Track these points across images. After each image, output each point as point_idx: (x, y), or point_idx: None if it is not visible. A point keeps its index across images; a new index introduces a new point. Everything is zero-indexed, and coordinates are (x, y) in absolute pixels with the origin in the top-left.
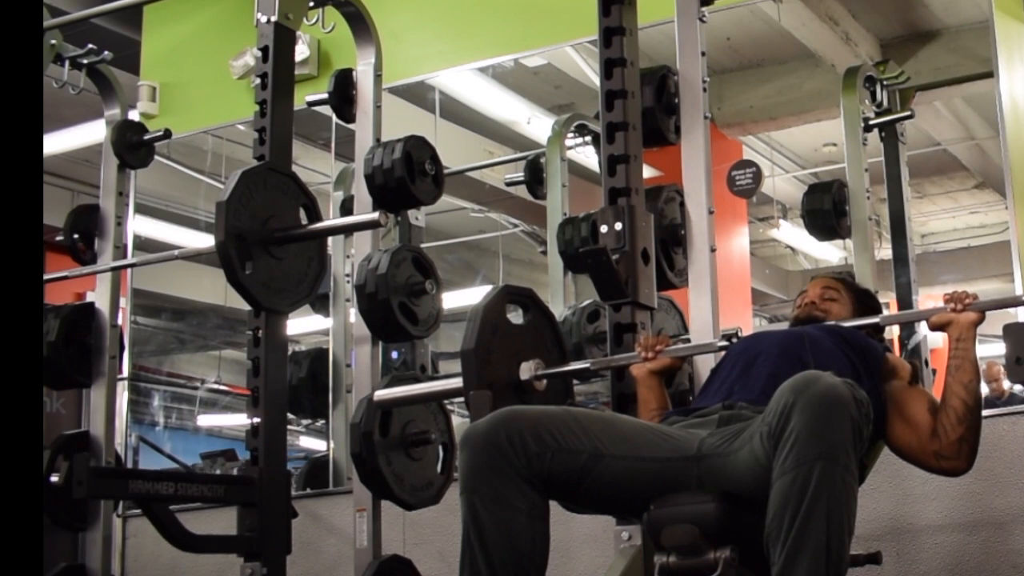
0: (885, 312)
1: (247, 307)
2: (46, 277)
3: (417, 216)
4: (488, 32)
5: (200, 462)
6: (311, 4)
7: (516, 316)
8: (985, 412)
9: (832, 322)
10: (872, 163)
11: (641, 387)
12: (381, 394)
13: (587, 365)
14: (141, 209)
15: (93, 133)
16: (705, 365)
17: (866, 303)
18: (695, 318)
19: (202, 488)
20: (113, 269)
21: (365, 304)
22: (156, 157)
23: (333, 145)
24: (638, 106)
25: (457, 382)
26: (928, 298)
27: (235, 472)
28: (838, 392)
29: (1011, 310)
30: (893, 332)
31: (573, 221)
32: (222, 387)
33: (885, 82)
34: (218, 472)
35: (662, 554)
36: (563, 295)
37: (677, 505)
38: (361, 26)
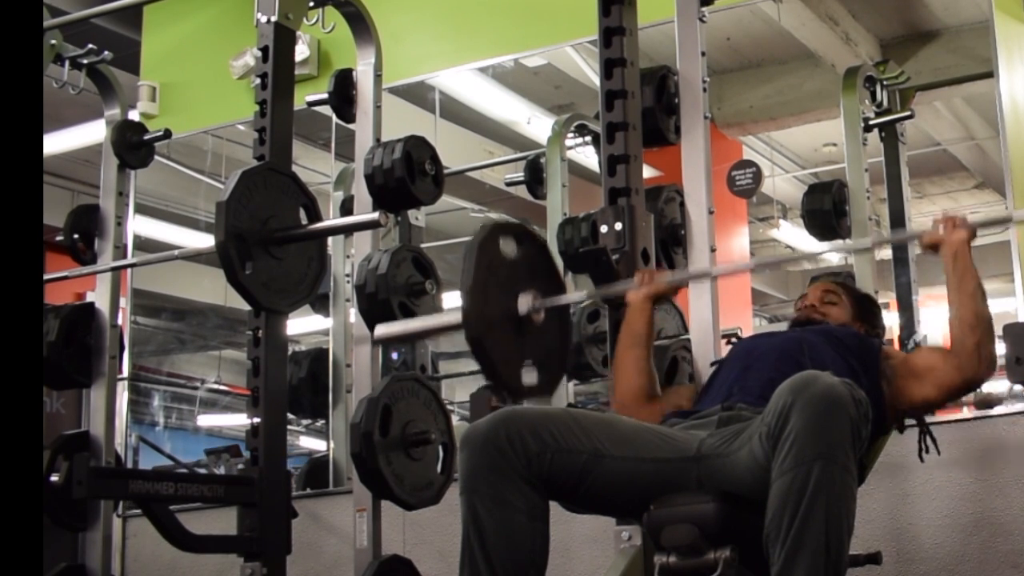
0: (885, 319)
1: (247, 307)
2: (46, 277)
3: (417, 216)
4: (488, 32)
5: (204, 458)
6: (311, 4)
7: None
8: (985, 413)
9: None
10: (872, 163)
11: (633, 311)
12: (381, 329)
13: (583, 295)
14: (141, 209)
15: (93, 133)
16: (705, 364)
17: (866, 307)
18: (695, 318)
19: (202, 488)
20: (113, 269)
21: (365, 304)
22: (156, 157)
23: (333, 145)
24: (638, 106)
25: (455, 316)
26: (928, 298)
27: (239, 468)
28: (837, 392)
29: (1011, 310)
30: (893, 332)
31: (573, 221)
32: (222, 387)
33: (885, 82)
34: (222, 468)
35: (662, 554)
36: None
37: (677, 505)
38: (361, 26)
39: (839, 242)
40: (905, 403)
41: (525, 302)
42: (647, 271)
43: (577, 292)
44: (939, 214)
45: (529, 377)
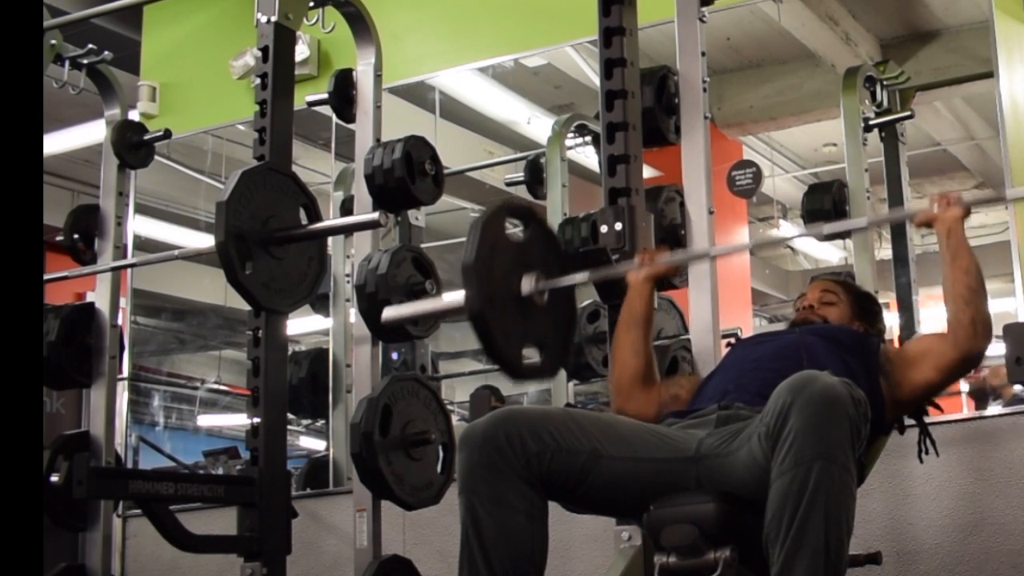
0: (885, 319)
1: (247, 307)
2: (46, 277)
3: (417, 216)
4: (488, 32)
5: (203, 459)
6: (311, 4)
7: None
8: (985, 412)
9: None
10: (872, 163)
11: (633, 292)
12: (389, 311)
13: (586, 276)
14: (141, 209)
15: (93, 133)
16: (705, 364)
17: (865, 305)
18: (695, 318)
19: (202, 488)
20: (113, 269)
21: (365, 304)
22: (156, 157)
23: (333, 145)
24: (638, 106)
25: (460, 297)
26: (928, 298)
27: (237, 470)
28: (836, 391)
29: (1011, 310)
30: (893, 332)
31: (573, 221)
32: (222, 387)
33: (885, 82)
34: (221, 470)
35: (662, 554)
36: None
37: (677, 505)
38: (361, 26)
39: (835, 224)
40: (906, 392)
41: (528, 283)
42: (647, 251)
43: (578, 273)
44: (935, 194)
45: (531, 358)
